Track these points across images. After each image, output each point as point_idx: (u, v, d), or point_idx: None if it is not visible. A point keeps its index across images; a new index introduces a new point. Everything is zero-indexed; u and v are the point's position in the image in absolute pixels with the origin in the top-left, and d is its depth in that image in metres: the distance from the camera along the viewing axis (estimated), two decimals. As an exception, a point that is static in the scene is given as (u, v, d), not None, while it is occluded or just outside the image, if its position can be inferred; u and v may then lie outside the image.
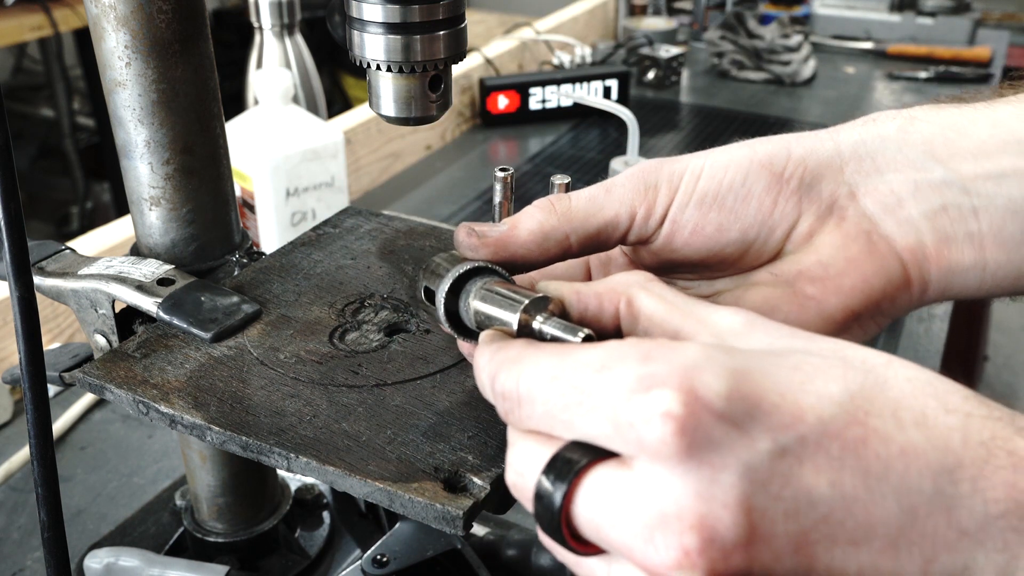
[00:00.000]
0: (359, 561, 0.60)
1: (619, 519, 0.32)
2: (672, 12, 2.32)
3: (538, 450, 0.35)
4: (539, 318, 0.39)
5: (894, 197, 0.44)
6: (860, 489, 0.30)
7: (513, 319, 0.40)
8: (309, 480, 0.73)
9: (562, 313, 0.40)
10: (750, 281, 0.47)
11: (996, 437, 0.31)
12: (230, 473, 0.63)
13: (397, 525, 0.61)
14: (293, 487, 0.71)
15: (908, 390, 0.32)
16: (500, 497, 0.41)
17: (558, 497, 0.33)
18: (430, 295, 0.46)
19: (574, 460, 0.33)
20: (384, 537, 0.60)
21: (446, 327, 0.44)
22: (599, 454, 0.33)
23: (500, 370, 0.36)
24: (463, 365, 0.49)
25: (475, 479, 0.41)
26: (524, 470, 0.35)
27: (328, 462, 0.42)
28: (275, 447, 0.43)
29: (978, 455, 0.31)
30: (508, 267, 0.44)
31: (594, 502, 0.32)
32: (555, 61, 1.86)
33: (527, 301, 0.40)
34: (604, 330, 0.40)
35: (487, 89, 1.66)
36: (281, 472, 0.69)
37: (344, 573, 0.60)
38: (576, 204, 0.45)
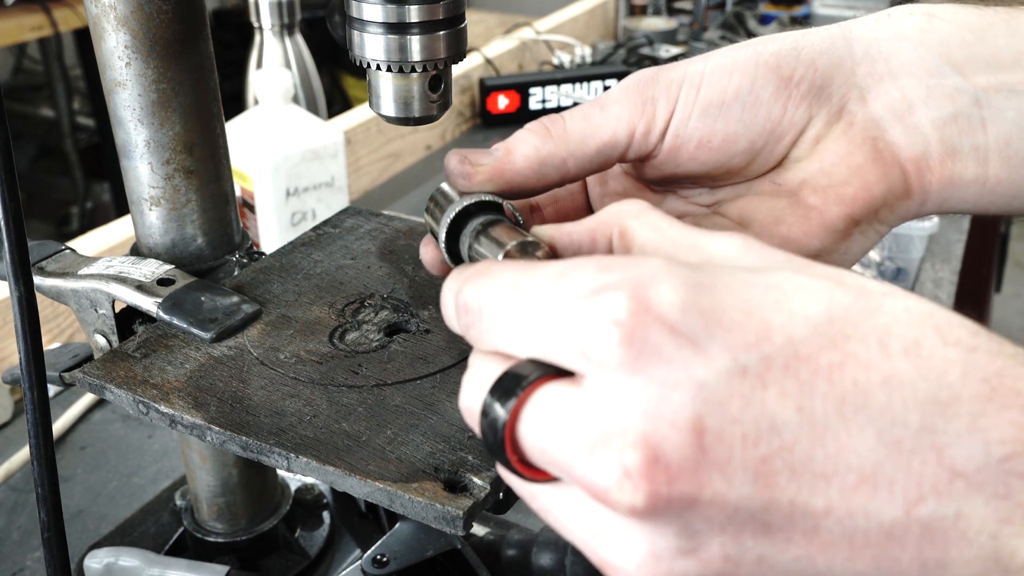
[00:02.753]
0: (359, 561, 0.60)
1: (563, 437, 0.29)
2: (672, 12, 2.32)
3: (493, 369, 0.32)
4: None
5: (905, 103, 0.43)
6: (832, 417, 0.27)
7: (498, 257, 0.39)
8: (309, 480, 0.73)
9: (552, 257, 0.38)
10: (753, 191, 0.45)
11: (1004, 375, 0.28)
12: (230, 473, 0.63)
13: (397, 525, 0.61)
14: (293, 487, 0.71)
15: (904, 319, 0.29)
16: (500, 497, 0.41)
17: (502, 415, 0.31)
18: (435, 227, 0.45)
19: (522, 376, 0.31)
20: (384, 537, 0.60)
21: (450, 263, 0.43)
22: (550, 372, 0.31)
23: (466, 283, 0.34)
24: (463, 365, 0.49)
25: (475, 479, 0.41)
26: (476, 390, 0.33)
27: (328, 462, 0.42)
28: (275, 447, 0.43)
29: (979, 391, 0.27)
30: (505, 195, 0.43)
31: (540, 421, 0.30)
32: (555, 61, 1.86)
33: (511, 244, 0.38)
34: None
35: (487, 89, 1.66)
36: (281, 472, 0.69)
37: (344, 573, 0.60)
38: (571, 126, 0.43)
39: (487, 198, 0.42)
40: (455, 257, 0.43)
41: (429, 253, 0.46)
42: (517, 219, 0.42)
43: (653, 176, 0.46)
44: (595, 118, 0.43)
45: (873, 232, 0.44)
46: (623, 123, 0.43)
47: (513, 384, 0.31)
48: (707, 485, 0.28)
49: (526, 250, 0.38)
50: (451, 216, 0.41)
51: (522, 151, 0.43)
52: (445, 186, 0.46)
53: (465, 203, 0.41)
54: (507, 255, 0.38)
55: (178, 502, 0.69)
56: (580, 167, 0.43)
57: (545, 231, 0.39)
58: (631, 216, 0.36)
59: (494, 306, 0.32)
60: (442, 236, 0.42)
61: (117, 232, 1.06)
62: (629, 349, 0.28)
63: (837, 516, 0.28)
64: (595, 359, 0.29)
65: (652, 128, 0.43)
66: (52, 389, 0.92)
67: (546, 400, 0.30)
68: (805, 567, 0.29)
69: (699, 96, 0.43)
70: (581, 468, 0.29)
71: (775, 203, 0.44)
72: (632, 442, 0.28)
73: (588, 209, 0.49)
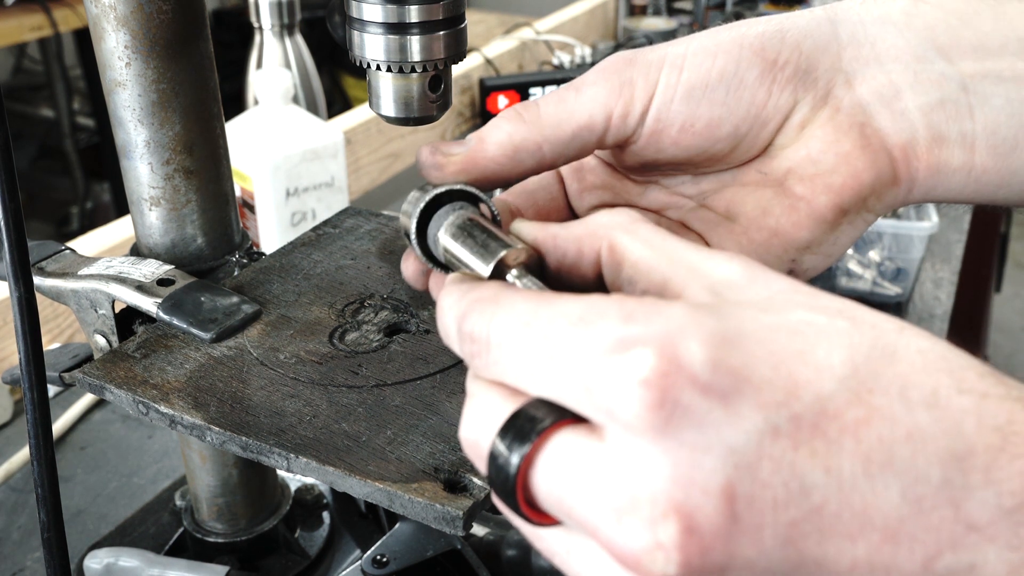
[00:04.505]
0: (359, 561, 0.60)
1: (585, 495, 0.28)
2: (672, 12, 2.32)
3: (500, 404, 0.31)
4: (513, 272, 0.36)
5: (892, 88, 0.42)
6: (860, 477, 0.27)
7: (485, 271, 0.37)
8: (309, 480, 0.73)
9: (539, 262, 0.36)
10: (738, 181, 0.44)
11: (1013, 421, 0.28)
12: (230, 473, 0.63)
13: (397, 525, 0.61)
14: (293, 487, 0.71)
15: (919, 364, 0.29)
16: (500, 497, 0.41)
17: (515, 460, 0.29)
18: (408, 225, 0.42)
19: (537, 419, 0.29)
20: (384, 537, 0.60)
21: (423, 260, 0.41)
22: (566, 416, 0.29)
23: (472, 310, 0.32)
24: (463, 365, 0.49)
25: (475, 479, 0.41)
26: (481, 425, 0.31)
27: (328, 462, 0.42)
28: (275, 447, 0.43)
29: (992, 442, 0.28)
30: (479, 186, 0.41)
31: (557, 471, 0.29)
32: (555, 61, 1.86)
33: (502, 253, 0.36)
34: (584, 277, 0.36)
35: (487, 89, 1.66)
36: (281, 472, 0.69)
37: (344, 573, 0.60)
38: (545, 110, 0.41)
39: (457, 187, 0.40)
40: (430, 255, 0.41)
41: (410, 267, 0.43)
42: (492, 212, 0.41)
43: (633, 163, 0.44)
44: (570, 101, 0.42)
45: (861, 221, 0.43)
46: (599, 105, 0.41)
47: (527, 428, 0.29)
48: (739, 554, 0.27)
49: (515, 258, 0.36)
50: (420, 207, 0.39)
51: (495, 138, 0.41)
52: (417, 190, 0.43)
53: (433, 193, 0.39)
54: (497, 267, 0.36)
55: (178, 502, 0.69)
56: (556, 152, 0.42)
57: (529, 232, 0.37)
58: (622, 229, 0.35)
59: (505, 341, 0.31)
60: (412, 232, 0.40)
61: (117, 232, 1.06)
62: (659, 412, 0.27)
63: (859, 573, 0.28)
64: (621, 419, 0.28)
65: (630, 111, 0.41)
66: (52, 389, 0.92)
67: (564, 449, 0.29)
68: None
69: (681, 78, 0.41)
70: (607, 532, 0.28)
71: (762, 194, 0.43)
72: (663, 511, 0.27)
73: (568, 206, 0.47)
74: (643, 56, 0.42)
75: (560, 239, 0.36)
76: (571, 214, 0.47)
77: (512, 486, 0.30)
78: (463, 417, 0.32)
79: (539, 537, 0.32)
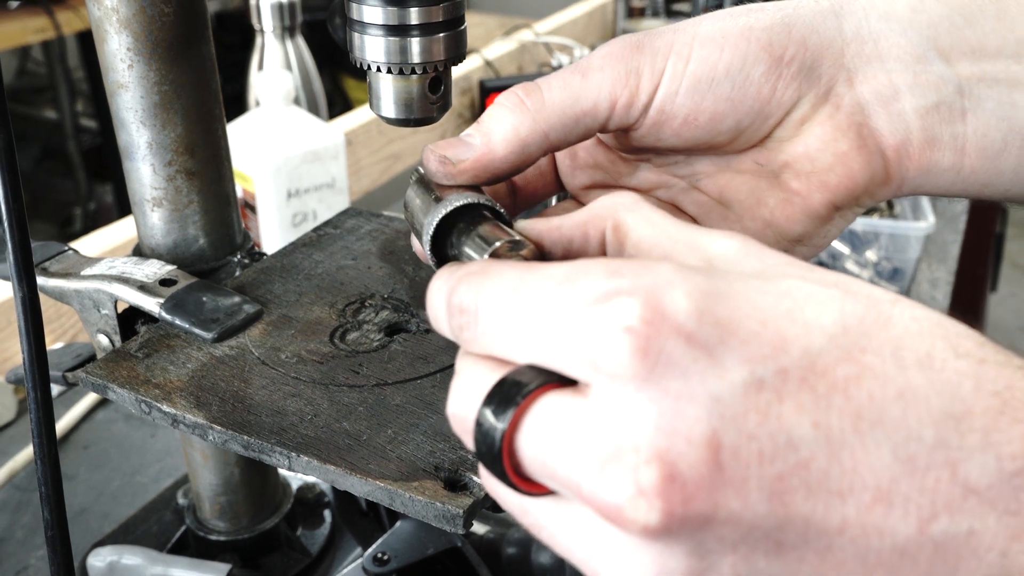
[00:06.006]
0: (360, 559, 0.60)
1: (569, 451, 0.28)
2: (670, 14, 2.32)
3: (487, 375, 0.30)
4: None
5: (891, 88, 0.42)
6: (849, 433, 0.26)
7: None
8: (310, 479, 0.73)
9: (539, 257, 0.36)
10: (733, 167, 0.44)
11: (1013, 387, 0.27)
12: (232, 472, 0.63)
13: (398, 523, 0.61)
14: (294, 486, 0.72)
15: (914, 329, 0.28)
16: (499, 495, 0.41)
17: (501, 425, 0.29)
18: (416, 223, 0.43)
19: (523, 383, 0.29)
20: (385, 535, 0.61)
21: (436, 269, 0.41)
22: (552, 379, 0.29)
23: (461, 283, 0.32)
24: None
25: (475, 478, 0.41)
26: (467, 397, 0.31)
27: (329, 461, 0.42)
28: (276, 446, 0.43)
29: (991, 405, 0.27)
30: (488, 183, 0.41)
31: (542, 433, 0.28)
32: (554, 63, 1.86)
33: (497, 244, 0.36)
34: None
35: (487, 91, 1.66)
36: (283, 471, 0.70)
37: (345, 571, 0.61)
38: (550, 95, 0.41)
39: (468, 201, 0.40)
40: (442, 261, 0.41)
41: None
42: (502, 216, 0.41)
43: (631, 147, 0.44)
44: (575, 87, 0.41)
45: (851, 214, 0.44)
46: (604, 92, 0.41)
47: (513, 391, 0.29)
48: (723, 504, 0.26)
49: (514, 248, 0.36)
50: (434, 224, 0.40)
51: (502, 135, 0.41)
52: (422, 172, 0.43)
53: (444, 212, 0.40)
54: (495, 254, 0.36)
55: (180, 501, 0.69)
56: (561, 139, 0.42)
57: (532, 228, 0.37)
58: (625, 209, 0.34)
59: (493, 308, 0.30)
60: (427, 244, 0.40)
61: (120, 233, 1.06)
62: (644, 360, 0.26)
63: (851, 535, 0.27)
64: (605, 369, 0.27)
65: (635, 100, 0.41)
66: (55, 389, 0.93)
67: (549, 410, 0.28)
68: None
69: (688, 69, 0.41)
70: (590, 484, 0.27)
71: (757, 183, 0.44)
72: (646, 458, 0.26)
73: (557, 182, 0.48)
74: (650, 42, 0.41)
75: (565, 227, 0.36)
76: (559, 188, 0.48)
77: (498, 452, 0.29)
78: (450, 392, 0.32)
79: (525, 512, 0.31)
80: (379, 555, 0.59)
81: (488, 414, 0.29)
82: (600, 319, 0.27)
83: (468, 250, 0.39)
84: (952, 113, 0.42)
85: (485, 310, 0.31)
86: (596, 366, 0.27)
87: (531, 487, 0.30)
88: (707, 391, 0.26)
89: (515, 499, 0.31)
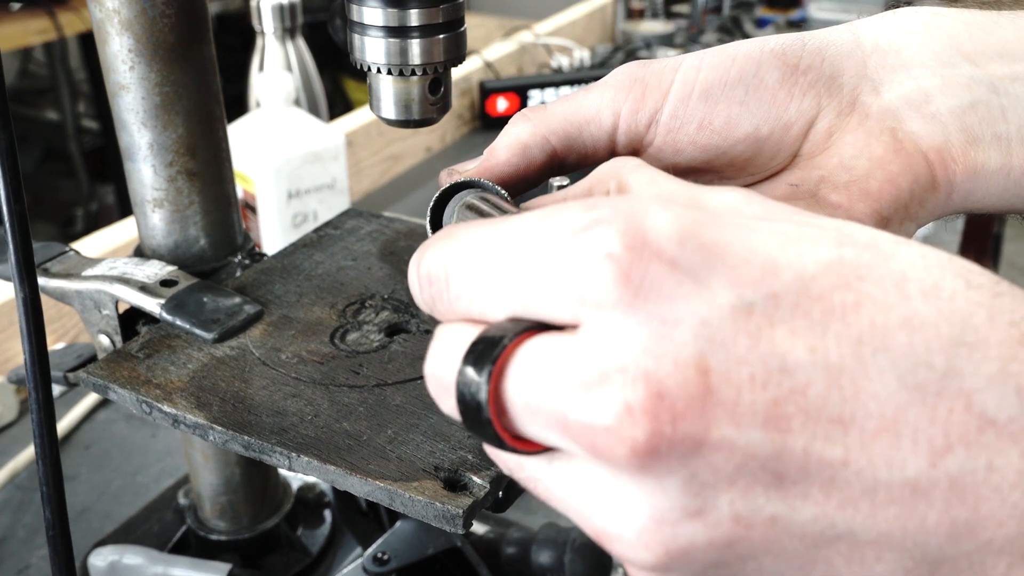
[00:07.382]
0: (360, 559, 0.60)
1: (553, 383, 0.26)
2: (670, 15, 2.32)
3: (465, 332, 0.29)
4: None
5: (921, 93, 0.41)
6: (848, 358, 0.25)
7: None
8: (311, 479, 0.73)
9: None
10: (767, 194, 0.43)
11: None
12: (232, 472, 0.63)
13: (398, 523, 0.62)
14: (295, 486, 0.72)
15: (920, 264, 0.26)
16: (500, 495, 0.42)
17: (483, 378, 0.27)
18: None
19: (503, 334, 0.27)
20: (385, 535, 0.61)
21: None
22: (533, 327, 0.28)
23: (426, 250, 0.31)
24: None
25: (475, 478, 0.41)
26: (445, 356, 0.29)
27: (329, 461, 0.42)
28: (277, 447, 0.43)
29: (1009, 335, 0.25)
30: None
31: (526, 375, 0.27)
32: (554, 64, 1.87)
33: (494, 214, 0.36)
34: None
35: (487, 92, 1.66)
36: (283, 471, 0.70)
37: (345, 571, 0.61)
38: (552, 107, 0.42)
39: (467, 179, 0.41)
40: None
41: None
42: (502, 195, 0.41)
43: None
44: (577, 97, 0.42)
45: (904, 233, 0.42)
46: (607, 101, 0.41)
47: (494, 341, 0.27)
48: (714, 427, 0.25)
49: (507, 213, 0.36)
50: (433, 201, 0.40)
51: (504, 142, 0.42)
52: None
53: (446, 185, 0.40)
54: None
55: (181, 500, 0.70)
56: (566, 146, 0.42)
57: (538, 203, 0.37)
58: (628, 171, 0.34)
59: (463, 269, 0.29)
60: (427, 223, 0.41)
61: (121, 234, 1.07)
62: (627, 286, 0.25)
63: (856, 467, 0.25)
64: (589, 300, 0.26)
65: (641, 108, 0.41)
66: (57, 389, 0.93)
67: (532, 354, 0.27)
68: (823, 528, 0.26)
69: (699, 76, 0.41)
70: (575, 410, 0.26)
71: (794, 206, 0.43)
72: (633, 378, 0.25)
73: None
74: (657, 63, 0.42)
75: (570, 195, 0.36)
76: None
77: (485, 414, 0.27)
78: (428, 353, 0.30)
79: (520, 466, 0.30)
80: (379, 555, 0.59)
81: (469, 370, 0.28)
82: (580, 249, 0.26)
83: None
84: (991, 112, 0.41)
85: (455, 273, 0.30)
86: (582, 300, 0.26)
87: (521, 444, 0.29)
88: (693, 314, 0.25)
89: (508, 456, 0.30)
